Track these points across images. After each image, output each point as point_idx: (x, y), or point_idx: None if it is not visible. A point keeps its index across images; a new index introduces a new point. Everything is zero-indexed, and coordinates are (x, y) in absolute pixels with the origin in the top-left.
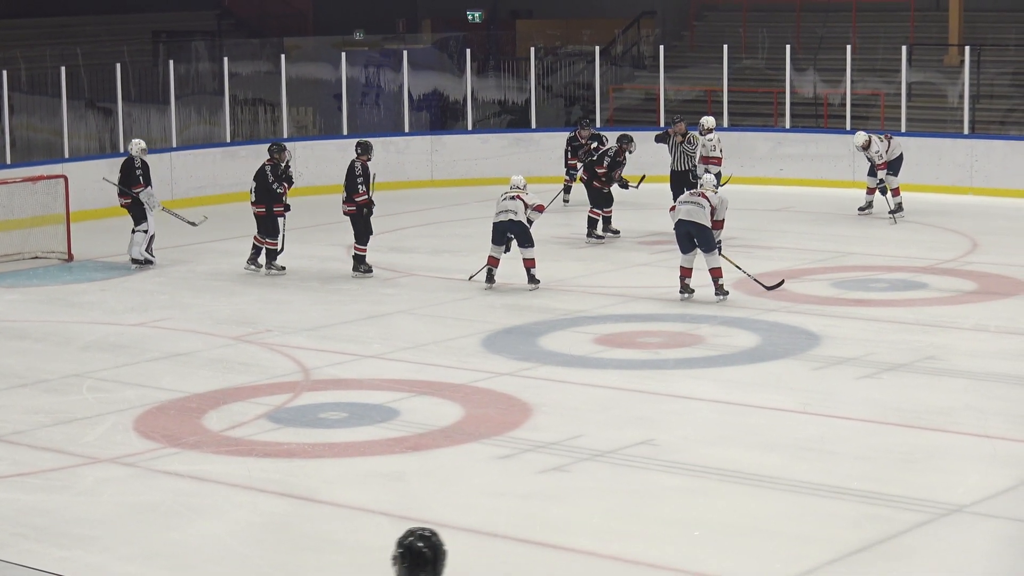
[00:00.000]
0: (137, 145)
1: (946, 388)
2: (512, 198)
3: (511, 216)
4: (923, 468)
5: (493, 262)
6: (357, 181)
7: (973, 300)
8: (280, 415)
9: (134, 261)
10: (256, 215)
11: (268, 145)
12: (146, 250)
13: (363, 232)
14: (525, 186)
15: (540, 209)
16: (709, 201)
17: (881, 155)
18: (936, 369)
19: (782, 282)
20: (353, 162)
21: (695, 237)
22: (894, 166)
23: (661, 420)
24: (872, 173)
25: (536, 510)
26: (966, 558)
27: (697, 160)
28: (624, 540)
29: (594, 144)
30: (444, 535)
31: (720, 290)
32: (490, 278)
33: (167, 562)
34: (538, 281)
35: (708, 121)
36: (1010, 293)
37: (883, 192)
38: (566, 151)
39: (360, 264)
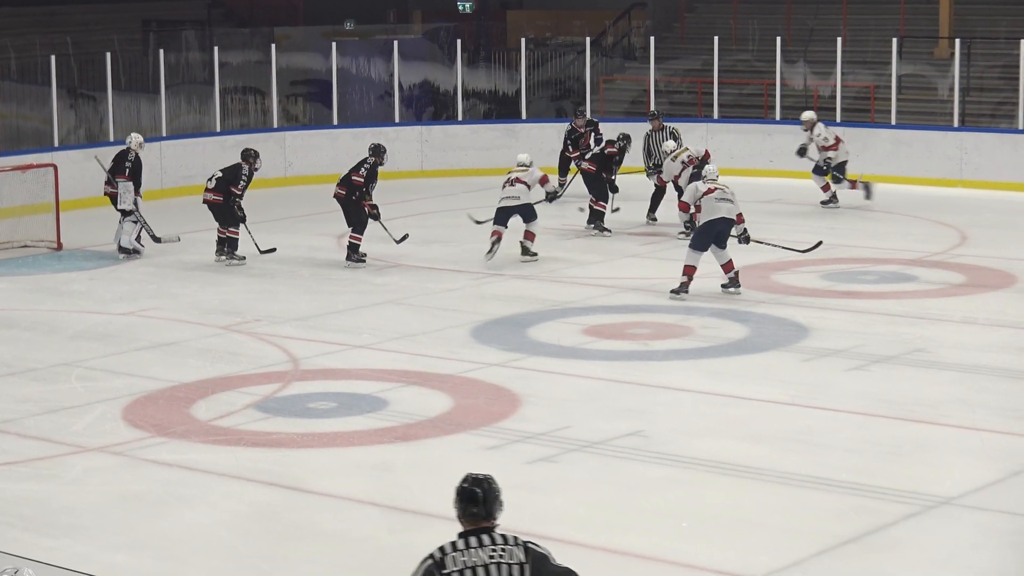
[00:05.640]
0: (135, 139)
1: (934, 380)
2: (513, 183)
3: (514, 202)
4: (911, 460)
5: (498, 234)
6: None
7: (962, 293)
8: (269, 405)
9: (122, 250)
10: (212, 203)
11: (243, 150)
12: (135, 239)
13: (359, 220)
14: (532, 163)
15: (545, 180)
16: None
17: (827, 140)
18: (925, 361)
19: (820, 243)
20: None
21: (724, 234)
22: (840, 168)
23: (649, 411)
24: (818, 171)
25: (524, 501)
26: (953, 550)
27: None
28: (612, 531)
29: (591, 132)
30: (432, 525)
31: (735, 282)
32: (492, 250)
33: (155, 552)
34: (535, 254)
35: (668, 146)
36: (999, 286)
37: (837, 181)
38: (565, 143)
39: (354, 252)
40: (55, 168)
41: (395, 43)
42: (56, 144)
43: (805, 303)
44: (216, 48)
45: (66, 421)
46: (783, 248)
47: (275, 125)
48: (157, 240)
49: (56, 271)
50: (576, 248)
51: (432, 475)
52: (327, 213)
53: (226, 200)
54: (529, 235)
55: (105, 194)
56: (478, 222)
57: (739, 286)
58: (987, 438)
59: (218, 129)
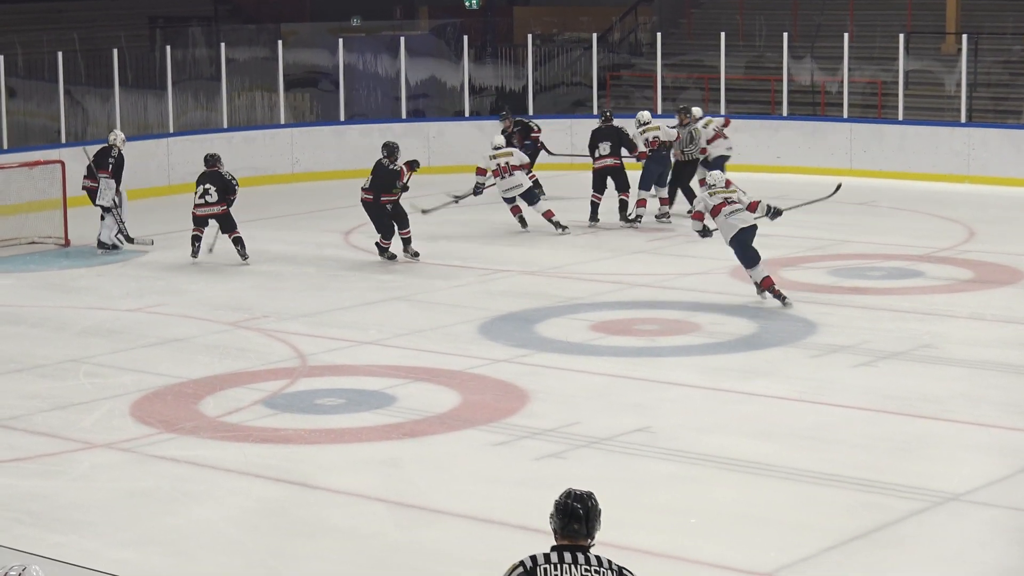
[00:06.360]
0: (118, 136)
1: (942, 376)
2: (511, 172)
3: (519, 190)
4: (918, 456)
5: (516, 210)
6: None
7: (969, 288)
8: (276, 401)
9: (101, 245)
10: (220, 214)
11: (207, 155)
12: (115, 235)
13: (399, 215)
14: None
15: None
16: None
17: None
18: (932, 357)
19: (839, 186)
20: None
21: (751, 241)
22: (718, 163)
23: (657, 407)
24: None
25: (532, 497)
26: (961, 546)
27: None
28: (619, 527)
29: (518, 133)
30: (440, 521)
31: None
32: (523, 223)
33: (162, 548)
34: (566, 227)
35: (643, 116)
36: (1006, 281)
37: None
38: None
39: (408, 245)
40: (62, 164)
41: (402, 39)
42: (63, 140)
43: (813, 299)
44: (223, 44)
45: (74, 417)
46: (809, 203)
47: (282, 121)
48: (130, 240)
49: (63, 267)
50: (584, 244)
51: (440, 471)
52: (334, 209)
53: (228, 208)
54: (548, 213)
55: (83, 188)
56: (425, 211)
57: (786, 299)
58: (995, 434)
59: (225, 125)
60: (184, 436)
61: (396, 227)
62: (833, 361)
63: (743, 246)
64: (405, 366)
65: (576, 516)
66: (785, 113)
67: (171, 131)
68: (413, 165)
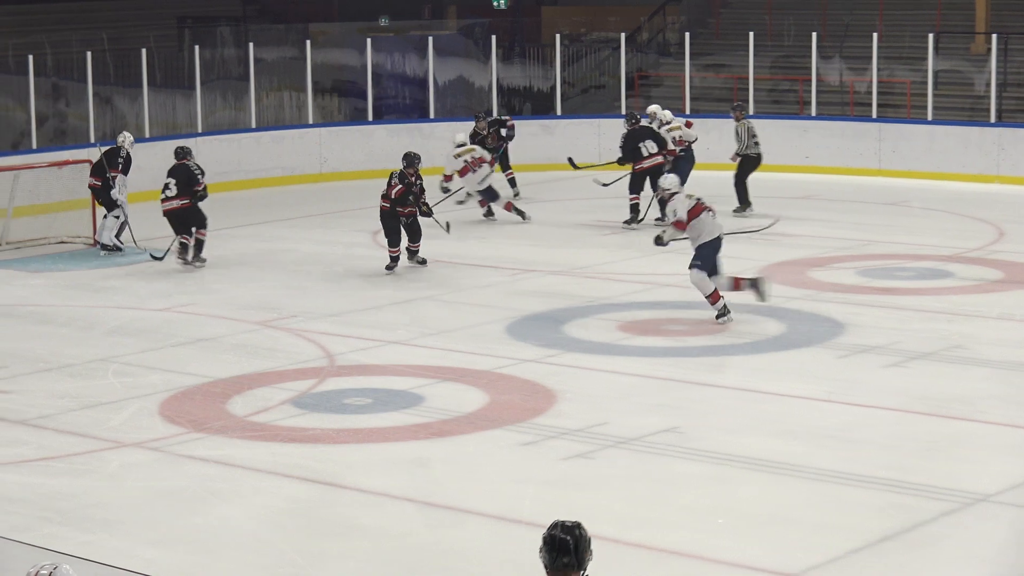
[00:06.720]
0: (127, 138)
1: (971, 377)
2: (480, 165)
3: (489, 181)
4: (948, 457)
5: (509, 206)
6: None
7: (999, 289)
8: (305, 400)
9: (103, 246)
10: (181, 208)
11: (176, 148)
12: (116, 236)
13: (413, 229)
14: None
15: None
16: None
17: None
18: (961, 358)
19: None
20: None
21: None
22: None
23: (685, 408)
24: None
25: (559, 497)
26: (990, 547)
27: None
28: (647, 527)
29: (495, 132)
30: (468, 521)
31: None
32: (522, 215)
33: (190, 547)
34: (495, 217)
35: (665, 115)
36: None
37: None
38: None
39: (413, 256)
40: (91, 164)
41: (430, 39)
42: (92, 140)
43: (841, 299)
44: (251, 44)
45: (103, 416)
46: (744, 232)
47: (310, 121)
48: (133, 241)
49: (92, 267)
50: (610, 244)
51: (468, 471)
52: (362, 209)
53: (192, 202)
54: (490, 210)
55: (89, 186)
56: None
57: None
58: None
59: (253, 125)
60: (212, 435)
61: (408, 239)
62: (862, 361)
63: (716, 252)
64: (433, 366)
65: (565, 549)
66: (814, 113)
67: (199, 131)
68: (415, 202)
